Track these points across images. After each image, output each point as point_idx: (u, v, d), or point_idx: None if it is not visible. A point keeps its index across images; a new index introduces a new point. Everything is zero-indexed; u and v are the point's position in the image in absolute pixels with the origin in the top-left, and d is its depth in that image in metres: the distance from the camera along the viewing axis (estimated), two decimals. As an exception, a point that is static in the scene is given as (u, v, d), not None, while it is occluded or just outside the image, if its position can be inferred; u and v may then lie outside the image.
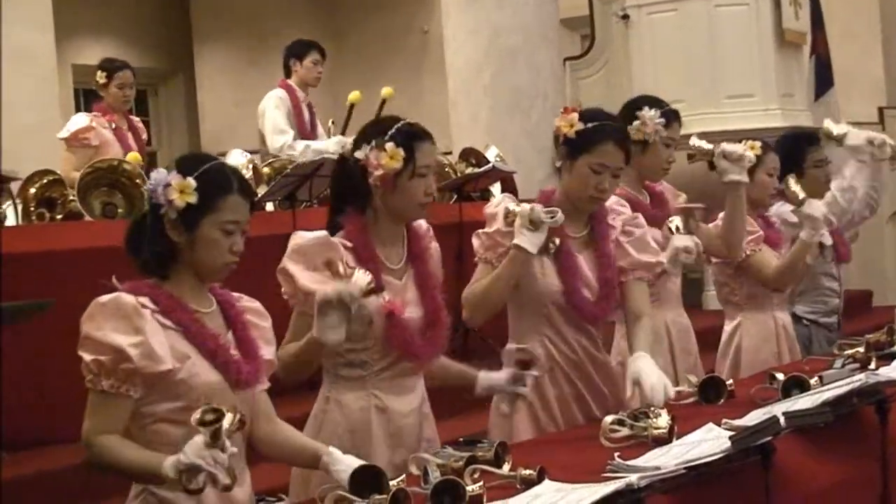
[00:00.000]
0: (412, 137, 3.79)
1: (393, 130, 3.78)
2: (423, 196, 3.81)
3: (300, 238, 3.73)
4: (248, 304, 3.45)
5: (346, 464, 3.27)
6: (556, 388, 4.29)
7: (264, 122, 9.02)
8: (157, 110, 17.53)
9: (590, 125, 4.27)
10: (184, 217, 3.19)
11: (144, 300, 3.16)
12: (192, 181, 3.18)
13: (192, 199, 3.17)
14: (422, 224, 3.99)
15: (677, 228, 4.96)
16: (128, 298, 3.13)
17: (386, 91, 8.83)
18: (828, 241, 5.43)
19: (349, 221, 3.82)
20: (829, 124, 6.16)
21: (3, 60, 10.21)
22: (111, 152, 7.99)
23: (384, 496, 2.98)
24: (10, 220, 7.07)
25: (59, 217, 7.25)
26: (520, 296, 4.27)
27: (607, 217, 4.40)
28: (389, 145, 3.73)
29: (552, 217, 4.05)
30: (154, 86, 17.62)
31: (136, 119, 8.72)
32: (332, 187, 4.05)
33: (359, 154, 3.78)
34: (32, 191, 7.26)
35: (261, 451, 3.48)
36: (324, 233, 3.75)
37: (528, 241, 4.06)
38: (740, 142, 5.58)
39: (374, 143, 3.76)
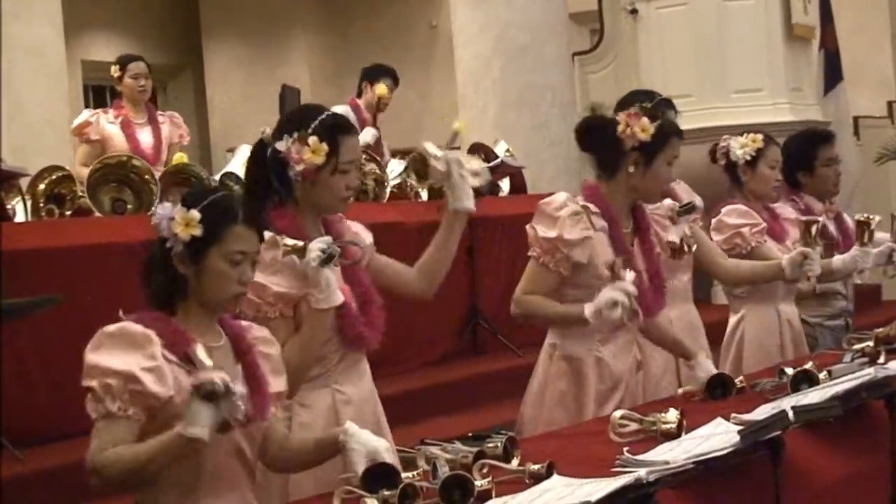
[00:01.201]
0: (336, 131, 3.74)
1: (316, 123, 3.73)
2: (345, 191, 3.78)
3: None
4: (258, 333, 3.43)
5: (361, 441, 3.25)
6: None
7: None
8: (167, 106, 17.50)
9: (657, 123, 4.35)
10: (190, 249, 3.19)
11: (150, 333, 3.14)
12: (195, 213, 3.18)
13: (197, 231, 3.17)
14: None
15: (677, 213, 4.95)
16: (136, 327, 3.12)
17: (460, 125, 8.83)
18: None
19: (279, 217, 3.74)
20: None
21: (13, 57, 10.23)
22: (116, 146, 8.04)
23: (393, 491, 2.98)
24: (20, 216, 7.07)
25: (68, 213, 7.26)
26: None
27: (645, 208, 4.53)
28: (312, 139, 3.68)
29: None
30: (163, 81, 17.60)
31: (171, 114, 8.70)
32: (247, 173, 3.98)
33: (280, 145, 3.72)
34: (42, 187, 7.26)
35: (282, 469, 3.50)
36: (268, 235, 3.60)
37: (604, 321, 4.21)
38: (741, 135, 5.60)
39: (296, 135, 3.70)
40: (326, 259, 3.49)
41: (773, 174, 5.60)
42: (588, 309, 4.20)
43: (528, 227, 4.41)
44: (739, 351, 5.54)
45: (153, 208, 3.30)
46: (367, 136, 8.87)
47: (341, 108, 8.96)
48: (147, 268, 3.28)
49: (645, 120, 4.35)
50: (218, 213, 3.22)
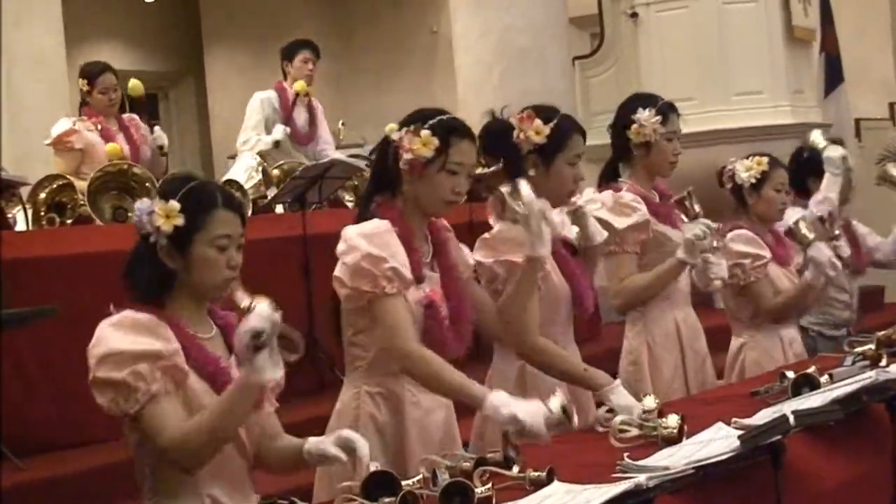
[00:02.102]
0: (451, 131, 3.76)
1: (434, 120, 3.75)
2: (450, 193, 3.77)
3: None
4: None
5: (320, 448, 3.20)
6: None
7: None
8: (168, 113, 17.55)
9: (553, 124, 4.33)
10: (175, 241, 3.16)
11: (153, 317, 3.13)
12: (175, 204, 3.15)
13: (179, 221, 3.15)
14: (439, 221, 3.96)
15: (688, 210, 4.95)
16: (141, 314, 3.11)
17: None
18: (845, 252, 5.43)
19: (384, 208, 3.78)
20: (815, 137, 6.16)
21: (15, 65, 10.25)
22: (98, 154, 7.83)
23: (393, 499, 2.98)
24: (21, 225, 7.08)
25: (69, 221, 7.26)
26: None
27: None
28: (425, 132, 3.71)
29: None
30: (164, 89, 17.64)
31: (129, 117, 8.42)
32: (371, 169, 4.04)
33: (395, 135, 3.77)
34: (42, 195, 7.27)
35: (272, 467, 3.46)
36: (385, 222, 3.72)
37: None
38: (747, 157, 5.59)
39: (413, 126, 3.74)
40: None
41: (778, 197, 5.58)
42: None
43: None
44: (741, 376, 5.53)
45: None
46: (277, 133, 8.82)
47: (261, 96, 8.96)
48: (131, 269, 3.24)
49: (538, 122, 4.33)
50: (198, 200, 3.20)
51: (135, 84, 8.01)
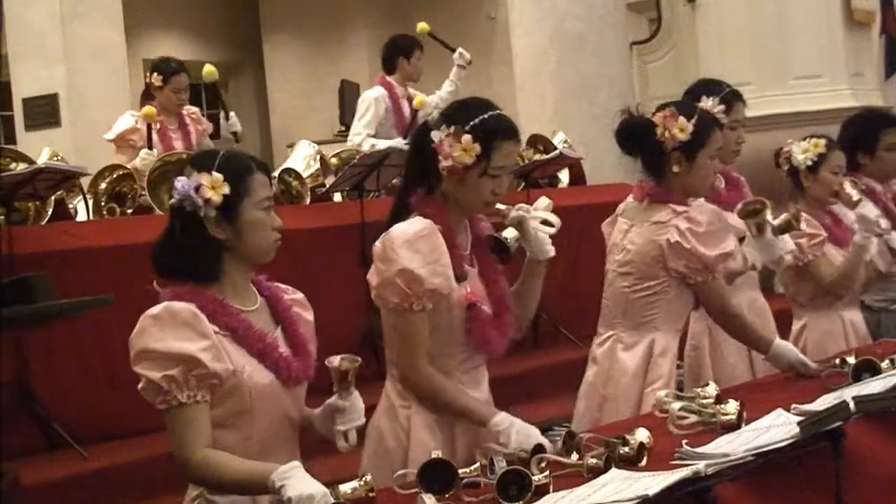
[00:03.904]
0: (493, 135, 3.65)
1: (476, 121, 3.64)
2: (491, 195, 3.70)
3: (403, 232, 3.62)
4: (294, 296, 3.44)
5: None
6: None
7: (356, 117, 9.14)
8: (228, 103, 17.56)
9: (694, 120, 4.33)
10: (223, 211, 3.18)
11: (193, 307, 3.14)
12: (218, 175, 3.18)
13: (226, 189, 3.17)
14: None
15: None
16: (180, 305, 3.12)
17: (421, 26, 8.94)
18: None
19: (425, 204, 3.70)
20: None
21: (77, 58, 10.34)
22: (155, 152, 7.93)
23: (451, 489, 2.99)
24: (82, 215, 7.14)
25: (129, 211, 7.32)
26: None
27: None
28: (466, 138, 3.60)
29: None
30: (224, 78, 17.71)
31: (189, 110, 8.49)
32: (407, 160, 3.93)
33: (435, 135, 3.66)
34: (103, 186, 7.33)
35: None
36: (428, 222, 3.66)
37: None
38: (804, 140, 5.54)
39: (453, 129, 3.64)
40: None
41: (835, 179, 5.51)
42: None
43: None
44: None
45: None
46: (398, 144, 8.77)
47: (372, 96, 8.93)
48: (168, 250, 3.24)
49: (682, 119, 4.33)
50: (236, 167, 3.23)
51: (209, 70, 8.09)
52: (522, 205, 3.85)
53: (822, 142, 5.49)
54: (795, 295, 5.56)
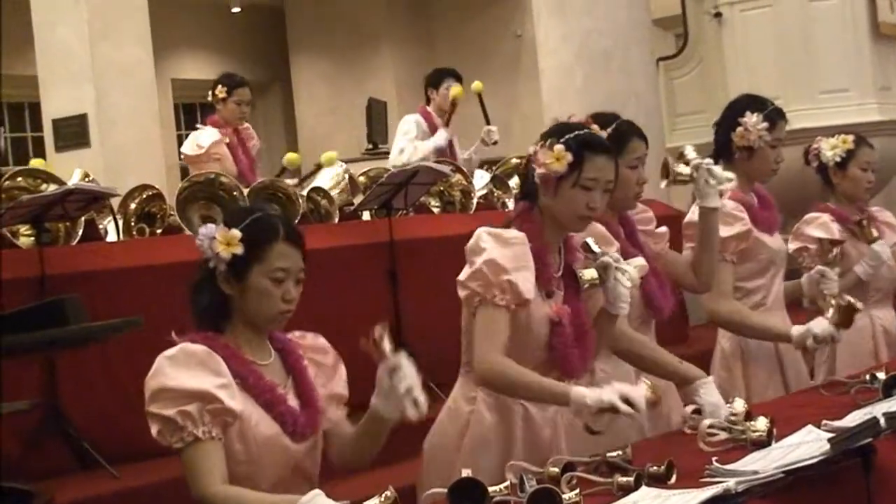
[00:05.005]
0: (587, 147, 3.71)
1: (571, 135, 3.72)
2: (584, 209, 3.74)
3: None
4: (311, 342, 3.47)
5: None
6: None
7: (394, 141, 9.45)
8: (255, 122, 17.62)
9: (611, 129, 4.28)
10: (233, 268, 3.22)
11: (209, 350, 3.17)
12: (236, 232, 3.21)
13: (238, 250, 3.20)
14: (575, 236, 3.92)
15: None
16: (196, 347, 3.15)
17: (476, 85, 9.15)
18: None
19: (523, 217, 3.79)
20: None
21: (105, 78, 10.38)
22: (227, 169, 8.09)
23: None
24: (112, 236, 7.18)
25: (158, 231, 7.36)
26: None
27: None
28: (558, 147, 3.68)
29: None
30: (252, 97, 17.76)
31: (244, 126, 8.82)
32: (520, 178, 4.04)
33: (531, 147, 3.77)
34: (133, 206, 7.37)
35: (361, 460, 3.51)
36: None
37: None
38: (833, 136, 5.54)
39: (548, 140, 3.73)
40: None
41: (864, 176, 5.50)
42: None
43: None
44: (832, 357, 5.47)
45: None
46: (439, 138, 8.95)
47: (412, 118, 9.08)
48: (194, 289, 3.30)
49: (595, 127, 4.00)
50: (259, 231, 3.25)
51: (293, 157, 8.22)
52: (616, 253, 3.89)
53: (851, 138, 5.48)
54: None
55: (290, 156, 8.25)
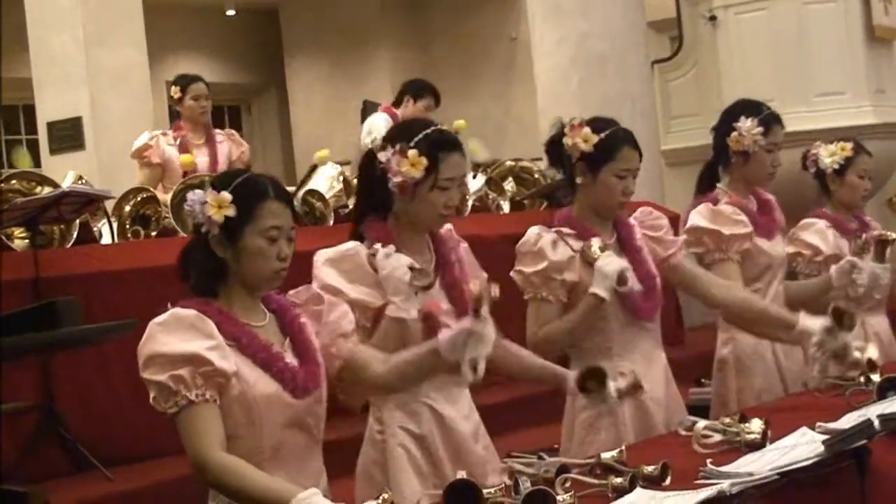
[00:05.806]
0: (439, 147, 3.70)
1: (420, 137, 3.69)
2: (443, 208, 3.73)
3: None
4: (303, 295, 3.45)
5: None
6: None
7: (362, 134, 9.36)
8: (251, 125, 17.69)
9: (604, 135, 4.26)
10: (226, 231, 3.19)
11: (200, 314, 3.16)
12: (227, 195, 3.18)
13: (230, 211, 3.17)
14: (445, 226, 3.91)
15: None
16: (186, 311, 3.14)
17: (458, 124, 9.09)
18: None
19: (372, 229, 3.75)
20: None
21: (99, 81, 10.39)
22: (176, 170, 8.09)
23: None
24: (106, 238, 7.18)
25: (153, 234, 7.36)
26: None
27: (628, 218, 4.46)
28: (412, 152, 3.64)
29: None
30: (247, 101, 17.80)
31: (229, 132, 8.76)
32: (357, 186, 3.99)
33: (381, 156, 3.70)
34: (127, 208, 7.37)
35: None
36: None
37: (604, 288, 4.15)
38: (832, 142, 5.53)
39: (398, 146, 3.68)
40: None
41: (862, 183, 5.49)
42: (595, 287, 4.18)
43: (513, 273, 4.26)
44: (824, 362, 5.46)
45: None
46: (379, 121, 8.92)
47: (382, 117, 9.04)
48: (185, 258, 3.29)
49: (586, 130, 4.25)
50: (249, 191, 3.22)
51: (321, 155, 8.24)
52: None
53: (849, 145, 5.46)
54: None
55: (321, 153, 8.31)
